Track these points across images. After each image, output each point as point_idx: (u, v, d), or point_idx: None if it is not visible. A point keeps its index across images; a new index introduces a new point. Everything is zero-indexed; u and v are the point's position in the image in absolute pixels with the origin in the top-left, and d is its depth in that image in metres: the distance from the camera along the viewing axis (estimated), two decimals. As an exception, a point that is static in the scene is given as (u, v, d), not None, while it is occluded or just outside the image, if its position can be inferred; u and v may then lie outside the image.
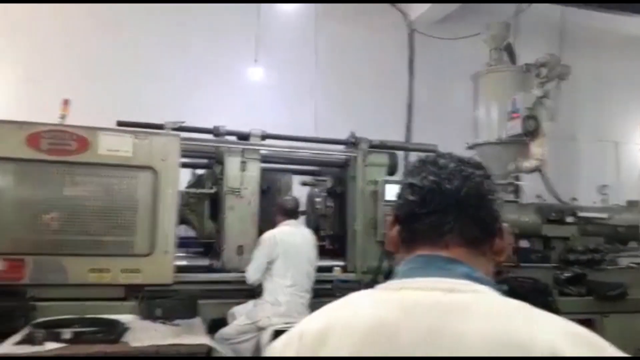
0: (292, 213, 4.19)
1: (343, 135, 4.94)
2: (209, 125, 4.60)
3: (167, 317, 3.69)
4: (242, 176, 4.30)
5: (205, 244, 4.15)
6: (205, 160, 4.85)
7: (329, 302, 3.64)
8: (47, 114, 3.95)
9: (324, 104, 7.69)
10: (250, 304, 4.00)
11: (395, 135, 6.65)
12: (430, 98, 8.00)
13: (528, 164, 5.31)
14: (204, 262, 4.20)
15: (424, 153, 5.12)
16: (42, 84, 6.44)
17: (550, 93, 5.18)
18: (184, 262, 4.35)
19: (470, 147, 5.97)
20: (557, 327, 0.88)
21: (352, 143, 4.75)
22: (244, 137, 4.54)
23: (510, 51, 6.03)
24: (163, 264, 3.96)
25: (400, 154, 5.16)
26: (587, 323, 4.66)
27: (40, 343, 2.86)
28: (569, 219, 5.59)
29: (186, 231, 4.90)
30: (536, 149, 5.22)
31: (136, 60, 7.02)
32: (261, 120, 4.94)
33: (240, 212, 4.29)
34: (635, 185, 8.16)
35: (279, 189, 4.90)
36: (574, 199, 7.21)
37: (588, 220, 5.67)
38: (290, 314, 3.78)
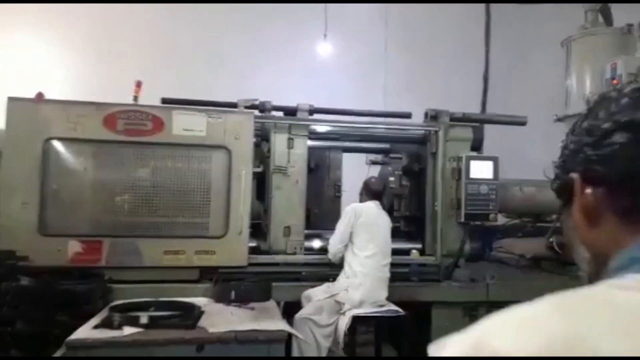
0: (378, 195, 4.02)
1: (414, 112, 4.65)
2: (280, 103, 4.43)
3: (242, 300, 3.60)
4: (289, 154, 4.09)
5: (252, 225, 3.95)
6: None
7: (406, 286, 3.31)
8: (120, 96, 3.93)
9: (394, 79, 7.34)
10: (325, 285, 3.84)
11: (471, 110, 6.22)
12: (509, 68, 7.43)
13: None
14: (251, 243, 4.03)
15: (511, 125, 4.80)
16: (113, 66, 6.53)
17: (655, 55, 4.57)
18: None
19: (559, 119, 5.45)
20: None
21: (432, 117, 4.42)
22: (291, 112, 4.31)
23: (606, 13, 5.39)
24: (237, 246, 3.87)
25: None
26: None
27: (118, 327, 2.82)
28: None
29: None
30: (639, 119, 4.63)
31: (204, 40, 6.98)
32: (329, 97, 4.71)
33: (287, 191, 4.10)
34: None
35: (328, 166, 4.65)
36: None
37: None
38: (367, 287, 3.62)
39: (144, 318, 2.89)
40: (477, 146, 4.47)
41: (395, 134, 4.56)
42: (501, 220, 5.13)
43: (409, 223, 4.64)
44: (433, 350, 0.61)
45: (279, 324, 3.04)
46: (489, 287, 4.17)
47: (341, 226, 3.80)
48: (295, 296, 3.89)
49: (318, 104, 4.42)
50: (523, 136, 5.68)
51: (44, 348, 2.87)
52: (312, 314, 3.56)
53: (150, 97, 4.02)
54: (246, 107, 4.20)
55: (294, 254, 4.09)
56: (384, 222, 3.95)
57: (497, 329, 0.58)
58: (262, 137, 4.38)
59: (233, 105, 4.24)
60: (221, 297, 3.62)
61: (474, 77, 7.52)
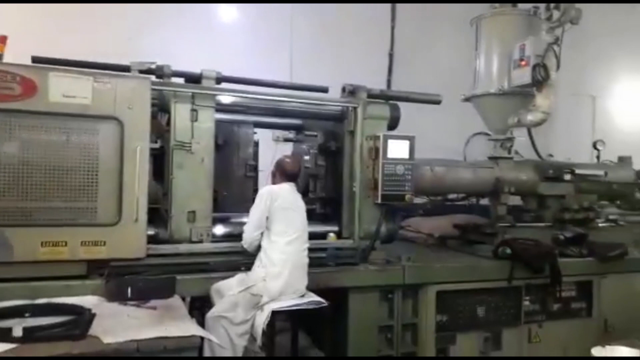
0: (294, 177, 3.66)
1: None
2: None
3: (140, 298, 3.11)
4: (192, 127, 3.62)
5: (149, 210, 3.43)
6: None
7: (323, 272, 3.21)
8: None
9: (301, 51, 6.96)
10: (237, 277, 3.45)
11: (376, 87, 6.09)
12: (414, 46, 7.41)
13: (533, 117, 4.88)
14: (149, 231, 3.44)
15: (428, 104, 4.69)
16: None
17: (559, 39, 4.72)
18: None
19: (467, 99, 5.50)
20: None
21: (349, 92, 4.14)
22: (194, 79, 3.79)
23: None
24: (133, 235, 3.31)
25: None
26: (587, 285, 4.46)
27: (-18, 344, 2.22)
28: (566, 177, 5.29)
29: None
30: (543, 100, 4.79)
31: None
32: (230, 66, 4.18)
33: (191, 171, 3.61)
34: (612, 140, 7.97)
35: (237, 143, 4.24)
36: (550, 155, 7.03)
37: (584, 177, 5.40)
38: (287, 275, 3.31)
39: (17, 330, 2.31)
40: (393, 125, 4.29)
41: (311, 110, 4.22)
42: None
43: (324, 205, 4.38)
44: None
45: (190, 327, 2.61)
46: (405, 269, 4.05)
47: (256, 212, 3.42)
48: (203, 290, 3.46)
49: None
50: (425, 115, 5.62)
51: None
52: (226, 311, 3.16)
53: (17, 58, 3.25)
54: (141, 72, 3.59)
55: (200, 242, 3.62)
56: (301, 205, 3.64)
57: None
58: (160, 108, 3.80)
59: (125, 69, 3.60)
60: (115, 296, 3.09)
61: (380, 53, 7.45)
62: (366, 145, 4.11)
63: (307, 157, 4.38)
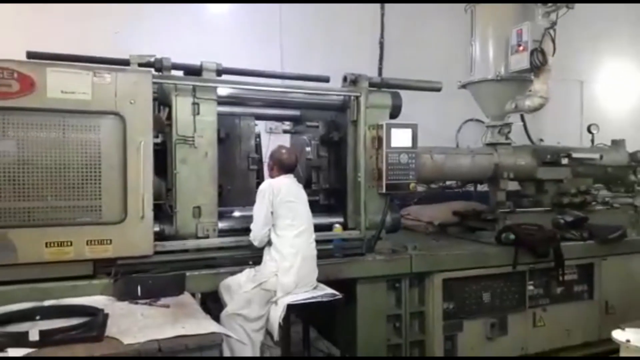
0: (292, 168, 3.60)
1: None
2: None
3: (150, 296, 3.05)
4: (195, 121, 3.54)
5: (153, 207, 3.35)
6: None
7: (330, 263, 3.31)
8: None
9: (291, 41, 6.86)
10: (246, 272, 3.40)
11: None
12: (405, 33, 7.37)
13: (530, 102, 4.90)
14: (154, 227, 3.36)
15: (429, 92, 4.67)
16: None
17: (555, 24, 4.73)
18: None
19: (463, 86, 5.49)
20: None
21: (351, 81, 4.10)
22: (194, 71, 3.70)
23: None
24: (139, 232, 3.24)
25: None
26: (588, 267, 4.50)
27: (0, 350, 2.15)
28: (564, 161, 5.32)
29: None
30: (541, 85, 4.81)
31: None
32: (219, 57, 4.07)
33: (195, 165, 3.55)
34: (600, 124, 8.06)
35: (239, 135, 4.15)
36: (541, 139, 7.09)
37: (581, 161, 5.44)
38: (299, 269, 3.28)
39: (33, 334, 2.24)
40: (395, 113, 4.26)
41: (312, 100, 4.16)
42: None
43: (328, 196, 4.33)
44: None
45: (208, 325, 2.56)
46: (412, 258, 4.05)
47: (261, 208, 3.36)
48: (212, 286, 3.41)
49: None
50: (413, 102, 5.57)
51: None
52: (241, 308, 3.12)
53: (5, 55, 3.13)
54: (140, 65, 3.49)
55: (207, 237, 3.55)
56: (304, 197, 3.60)
57: None
58: (160, 102, 3.72)
59: (123, 62, 3.50)
60: (125, 294, 3.03)
61: (370, 41, 7.39)
62: (369, 135, 4.07)
63: (308, 149, 4.33)
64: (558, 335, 4.61)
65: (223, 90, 3.83)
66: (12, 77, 2.95)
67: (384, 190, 4.05)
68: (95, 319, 2.48)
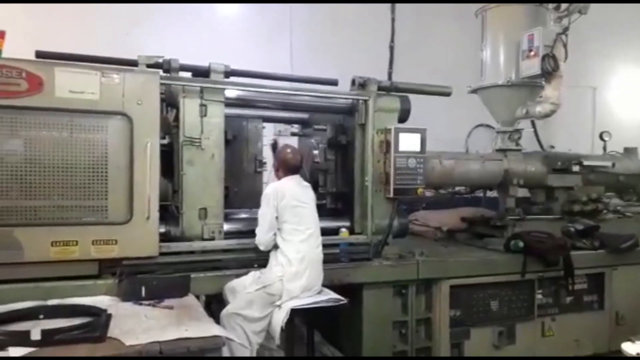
0: (297, 169, 3.57)
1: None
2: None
3: (155, 298, 3.04)
4: (202, 122, 3.54)
5: (159, 208, 3.35)
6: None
7: (336, 268, 3.30)
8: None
9: (300, 44, 6.86)
10: (251, 275, 3.38)
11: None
12: (415, 38, 7.35)
13: (541, 108, 4.84)
14: (160, 229, 3.37)
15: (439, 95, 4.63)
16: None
17: (567, 29, 4.67)
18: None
19: (473, 91, 5.44)
20: None
21: (360, 84, 4.07)
22: (202, 73, 3.69)
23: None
24: (145, 233, 3.24)
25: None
26: (599, 277, 4.43)
27: (0, 348, 2.14)
28: (575, 168, 5.25)
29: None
30: (552, 91, 4.75)
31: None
32: (229, 59, 4.06)
33: (201, 167, 3.53)
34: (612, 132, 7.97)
35: (246, 138, 4.15)
36: (552, 146, 7.01)
37: (592, 169, 5.36)
38: (305, 274, 3.24)
39: (35, 333, 2.23)
40: (404, 117, 4.23)
41: (320, 103, 4.14)
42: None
43: (335, 200, 4.30)
44: None
45: (211, 327, 2.54)
46: (420, 264, 4.00)
47: (266, 213, 3.33)
48: (216, 288, 3.40)
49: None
50: (423, 107, 5.52)
51: None
52: (241, 309, 3.09)
53: (15, 54, 3.14)
54: (148, 66, 3.49)
55: (212, 239, 3.54)
56: (310, 198, 3.55)
57: None
58: (167, 103, 3.73)
59: (132, 63, 3.51)
60: (129, 295, 3.02)
61: (380, 45, 7.37)
62: (377, 139, 4.04)
63: (316, 152, 4.30)
64: (567, 346, 4.53)
65: (231, 92, 3.82)
66: (20, 77, 2.96)
67: (391, 195, 4.02)
68: (98, 320, 2.47)
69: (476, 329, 4.20)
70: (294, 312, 3.10)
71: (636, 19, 9.13)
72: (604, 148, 5.89)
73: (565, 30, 4.66)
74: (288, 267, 3.23)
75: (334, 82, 4.18)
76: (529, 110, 4.96)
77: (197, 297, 3.25)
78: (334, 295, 3.30)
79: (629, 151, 5.91)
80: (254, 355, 3.10)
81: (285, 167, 3.54)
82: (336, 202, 4.31)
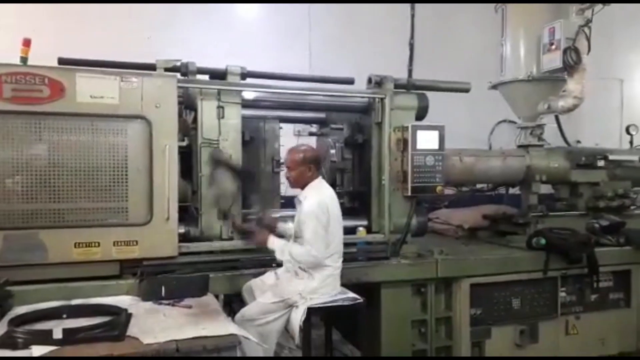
0: (321, 165, 3.52)
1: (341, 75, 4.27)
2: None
3: (174, 297, 3.09)
4: (219, 124, 3.59)
5: (179, 208, 3.35)
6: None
7: (354, 267, 3.35)
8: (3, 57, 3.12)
9: (319, 43, 6.87)
10: (270, 276, 3.41)
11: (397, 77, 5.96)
12: (435, 35, 7.27)
13: (564, 102, 4.74)
14: (179, 229, 3.42)
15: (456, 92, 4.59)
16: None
17: (590, 21, 4.57)
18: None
19: (494, 87, 5.37)
20: None
21: (376, 83, 4.06)
22: (219, 75, 3.74)
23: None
24: (164, 234, 3.31)
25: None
26: (625, 274, 4.32)
27: (24, 347, 2.22)
28: (600, 163, 5.14)
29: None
30: (575, 85, 4.64)
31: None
32: (248, 60, 4.10)
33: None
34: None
35: (263, 138, 4.17)
36: (578, 141, 6.85)
37: (618, 163, 5.24)
38: (324, 287, 3.21)
39: (57, 332, 2.30)
40: (421, 115, 4.21)
41: (336, 102, 4.15)
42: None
43: (352, 199, 4.31)
44: None
45: (227, 326, 2.58)
46: (439, 262, 3.98)
47: (320, 229, 3.16)
48: (235, 287, 3.44)
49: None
50: (445, 104, 5.46)
51: None
52: (256, 315, 3.11)
53: (38, 60, 3.24)
54: (166, 70, 3.56)
55: (231, 239, 3.60)
56: (338, 203, 3.44)
57: None
58: (186, 105, 3.79)
59: (150, 67, 3.58)
60: (149, 295, 3.08)
61: (400, 42, 7.33)
62: (394, 137, 4.03)
63: (333, 151, 4.31)
64: (592, 345, 4.44)
65: (248, 94, 3.86)
66: (43, 83, 3.05)
67: (409, 193, 4.00)
68: (118, 319, 2.54)
69: (497, 328, 4.15)
70: (311, 311, 3.10)
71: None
72: (631, 142, 5.73)
73: (588, 22, 4.55)
74: (310, 281, 3.19)
75: (350, 81, 4.18)
76: (551, 105, 4.87)
77: (216, 296, 3.30)
78: (351, 294, 3.30)
79: (656, 144, 5.74)
80: (272, 355, 3.13)
81: (317, 162, 3.40)
82: (353, 201, 4.31)
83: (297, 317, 3.06)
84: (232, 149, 3.63)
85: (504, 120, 7.39)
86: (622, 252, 4.61)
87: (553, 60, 4.60)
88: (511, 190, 5.64)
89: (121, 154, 3.24)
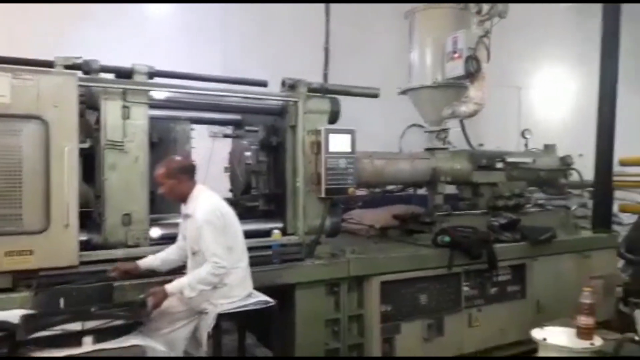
0: (194, 173, 3.37)
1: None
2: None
3: (76, 309, 2.91)
4: (124, 125, 3.44)
5: (80, 214, 3.16)
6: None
7: (268, 270, 3.31)
8: None
9: (234, 46, 6.79)
10: (177, 284, 3.29)
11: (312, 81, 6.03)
12: (349, 40, 7.44)
13: (466, 108, 5.04)
14: (81, 237, 3.24)
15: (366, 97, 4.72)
16: None
17: (489, 32, 4.89)
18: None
19: (403, 92, 5.59)
20: None
21: (290, 86, 4.09)
22: (125, 74, 3.58)
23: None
24: (64, 242, 3.10)
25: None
26: (520, 268, 4.68)
27: None
28: (498, 165, 5.52)
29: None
30: (475, 92, 4.95)
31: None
32: (160, 61, 3.97)
33: (125, 171, 3.42)
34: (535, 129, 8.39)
35: (174, 140, 4.07)
36: (481, 144, 7.33)
37: (515, 165, 5.65)
38: (234, 290, 3.17)
39: None
40: (334, 119, 4.29)
41: (251, 104, 4.12)
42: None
43: (268, 201, 4.29)
44: None
45: (129, 338, 2.48)
46: (350, 261, 4.08)
47: (217, 235, 3.07)
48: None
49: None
50: (361, 108, 5.62)
51: None
52: (164, 327, 3.01)
53: None
54: (66, 67, 3.35)
55: (137, 246, 3.45)
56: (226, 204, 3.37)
57: None
58: (88, 105, 3.58)
59: (48, 64, 3.36)
60: (47, 308, 2.88)
61: (315, 46, 7.42)
62: (308, 140, 4.08)
63: (248, 153, 4.28)
64: (493, 335, 4.76)
65: (159, 94, 3.73)
66: None
67: (323, 195, 4.07)
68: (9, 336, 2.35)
69: (406, 323, 4.31)
70: (221, 317, 3.06)
71: (559, 22, 9.70)
72: (526, 145, 6.21)
73: (487, 33, 4.87)
74: (220, 289, 3.11)
75: (263, 83, 4.17)
76: (455, 110, 5.16)
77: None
78: (263, 297, 3.29)
79: (548, 148, 6.27)
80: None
81: (188, 171, 3.26)
82: (269, 204, 4.30)
83: (206, 324, 3.00)
84: (139, 151, 3.49)
85: (414, 125, 7.71)
86: (518, 247, 4.98)
87: (456, 68, 4.88)
88: (419, 191, 5.91)
89: (14, 156, 3.00)
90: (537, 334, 3.08)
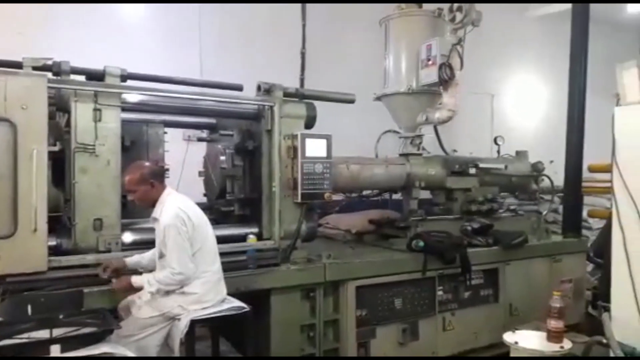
0: (164, 176, 3.37)
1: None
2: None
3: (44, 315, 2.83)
4: (96, 128, 3.39)
5: (50, 219, 3.10)
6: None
7: (244, 275, 3.29)
8: None
9: (211, 50, 6.75)
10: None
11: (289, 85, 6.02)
12: (326, 45, 7.47)
13: (440, 114, 5.10)
14: (50, 242, 3.19)
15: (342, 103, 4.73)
16: None
17: (462, 40, 4.97)
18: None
19: (378, 98, 5.63)
20: None
21: (265, 90, 4.07)
22: (96, 76, 3.53)
23: (416, -5, 5.68)
24: (31, 247, 3.03)
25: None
26: (493, 272, 4.75)
27: None
28: (472, 171, 5.59)
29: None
30: (449, 99, 5.01)
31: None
32: (135, 64, 3.91)
33: (96, 175, 3.37)
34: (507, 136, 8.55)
35: (146, 143, 4.03)
36: (455, 150, 7.43)
37: (487, 171, 5.74)
38: (206, 294, 3.14)
39: None
40: (310, 124, 4.30)
41: (226, 108, 4.09)
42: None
43: (243, 206, 4.25)
44: None
45: (99, 346, 2.42)
46: (326, 266, 4.07)
47: (181, 241, 3.04)
48: (113, 302, 3.23)
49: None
50: (338, 113, 5.63)
51: None
52: (135, 334, 2.95)
53: None
54: (34, 68, 3.28)
55: (109, 251, 3.38)
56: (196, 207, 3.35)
57: None
58: (58, 107, 3.52)
59: (16, 65, 3.28)
60: (13, 315, 2.79)
61: (292, 51, 7.42)
62: (284, 145, 4.07)
63: (223, 157, 4.24)
64: (466, 338, 4.81)
65: (132, 97, 3.68)
66: None
67: (299, 200, 4.06)
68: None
69: (381, 328, 4.33)
70: (195, 323, 3.01)
71: (532, 31, 9.92)
72: (498, 151, 6.31)
73: (460, 41, 4.94)
74: (191, 295, 3.09)
75: (238, 87, 4.16)
76: (429, 116, 5.22)
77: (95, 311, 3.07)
78: (237, 303, 3.26)
79: (520, 154, 6.39)
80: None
81: (157, 176, 3.24)
82: (244, 208, 4.27)
83: (179, 331, 2.95)
84: (111, 155, 3.43)
85: (389, 130, 7.77)
86: (490, 251, 5.05)
87: (430, 75, 4.94)
88: (394, 196, 5.95)
89: (-20, 159, 2.92)
90: (509, 337, 3.12)
